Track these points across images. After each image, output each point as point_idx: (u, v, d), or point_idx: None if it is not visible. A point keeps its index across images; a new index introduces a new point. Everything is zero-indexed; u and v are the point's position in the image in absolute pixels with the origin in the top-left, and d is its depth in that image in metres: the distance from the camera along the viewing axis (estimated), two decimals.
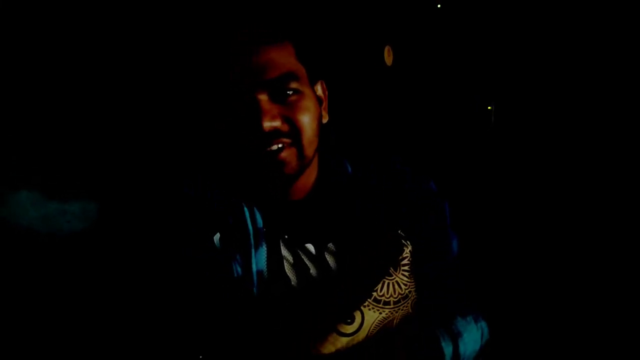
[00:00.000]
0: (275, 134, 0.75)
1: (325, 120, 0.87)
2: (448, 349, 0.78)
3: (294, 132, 0.77)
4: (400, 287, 0.82)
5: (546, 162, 1.52)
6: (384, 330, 0.79)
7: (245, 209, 0.80)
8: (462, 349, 0.80)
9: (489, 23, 1.65)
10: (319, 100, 0.85)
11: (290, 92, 0.77)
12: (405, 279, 0.83)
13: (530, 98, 1.60)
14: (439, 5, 1.68)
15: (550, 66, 1.55)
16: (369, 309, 0.78)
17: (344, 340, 0.76)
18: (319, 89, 0.87)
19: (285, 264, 0.79)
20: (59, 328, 0.94)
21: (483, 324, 0.86)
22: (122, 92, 1.04)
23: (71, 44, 0.98)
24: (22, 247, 0.92)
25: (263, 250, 0.79)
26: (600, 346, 1.21)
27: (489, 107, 1.67)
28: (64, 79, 0.97)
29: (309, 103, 0.79)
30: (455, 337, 0.80)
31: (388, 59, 1.63)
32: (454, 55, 1.70)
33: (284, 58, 0.77)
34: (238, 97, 0.75)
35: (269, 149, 0.75)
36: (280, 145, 0.76)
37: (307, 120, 0.78)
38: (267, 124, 0.73)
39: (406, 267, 0.84)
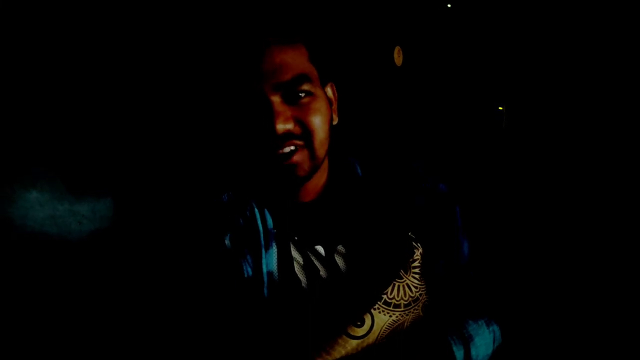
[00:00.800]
0: (288, 136, 0.75)
1: (335, 122, 0.87)
2: (459, 353, 0.77)
3: (306, 134, 0.77)
4: (411, 290, 0.81)
5: (559, 164, 1.51)
6: (394, 333, 0.78)
7: (256, 210, 0.80)
8: (473, 352, 0.79)
9: (499, 23, 1.64)
10: (329, 102, 0.84)
11: (303, 94, 0.76)
12: (416, 281, 0.82)
13: (542, 99, 1.58)
14: (449, 5, 1.66)
15: (562, 67, 1.53)
16: (379, 312, 0.77)
17: (353, 343, 0.75)
18: (329, 91, 0.86)
19: (296, 265, 0.79)
20: (68, 328, 0.94)
21: (495, 327, 0.85)
22: (133, 93, 1.04)
23: (88, 46, 0.98)
24: (32, 248, 0.93)
25: (273, 251, 0.78)
26: (613, 351, 1.19)
27: (500, 108, 1.65)
28: (74, 79, 0.98)
29: (320, 105, 0.79)
30: (466, 340, 0.79)
31: (398, 59, 1.63)
32: (464, 55, 1.68)
33: (297, 60, 0.77)
34: (251, 98, 0.74)
35: (281, 151, 0.75)
36: (292, 148, 0.76)
37: (319, 122, 0.77)
38: (280, 127, 0.73)
39: (417, 270, 0.83)
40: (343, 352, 0.75)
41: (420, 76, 1.67)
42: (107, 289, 0.95)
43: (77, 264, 0.97)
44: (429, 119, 1.66)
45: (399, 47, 1.63)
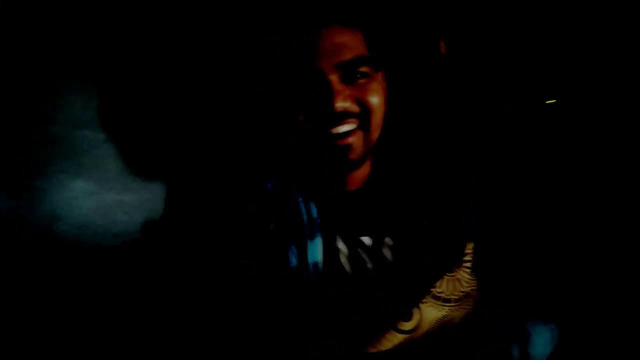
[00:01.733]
0: (346, 115, 0.74)
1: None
2: (515, 351, 0.74)
3: (364, 113, 0.76)
4: (462, 285, 0.79)
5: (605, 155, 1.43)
6: (444, 328, 0.76)
7: (300, 199, 0.80)
8: (530, 351, 0.76)
9: (552, 16, 1.58)
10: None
11: (360, 76, 0.76)
12: (467, 276, 0.80)
13: (594, 91, 1.51)
14: None
15: (617, 57, 1.46)
16: (428, 306, 0.75)
17: (401, 337, 0.73)
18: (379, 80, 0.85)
19: (341, 256, 0.78)
20: (119, 314, 0.95)
21: (553, 326, 0.81)
22: (178, 77, 1.04)
23: (134, 34, 0.99)
24: (78, 239, 0.95)
25: (318, 241, 0.77)
26: None
27: (550, 101, 1.58)
28: (117, 65, 0.99)
29: (378, 87, 0.78)
30: (523, 339, 0.76)
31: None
32: (516, 47, 1.63)
33: (356, 42, 0.77)
34: (310, 77, 0.74)
35: (336, 130, 0.74)
36: (348, 128, 0.75)
37: (377, 102, 0.77)
38: (339, 104, 0.73)
39: (468, 265, 0.80)
40: (390, 345, 0.73)
41: (463, 69, 1.63)
42: (155, 278, 0.96)
43: (125, 254, 0.99)
44: (472, 111, 1.61)
45: (442, 41, 1.60)
